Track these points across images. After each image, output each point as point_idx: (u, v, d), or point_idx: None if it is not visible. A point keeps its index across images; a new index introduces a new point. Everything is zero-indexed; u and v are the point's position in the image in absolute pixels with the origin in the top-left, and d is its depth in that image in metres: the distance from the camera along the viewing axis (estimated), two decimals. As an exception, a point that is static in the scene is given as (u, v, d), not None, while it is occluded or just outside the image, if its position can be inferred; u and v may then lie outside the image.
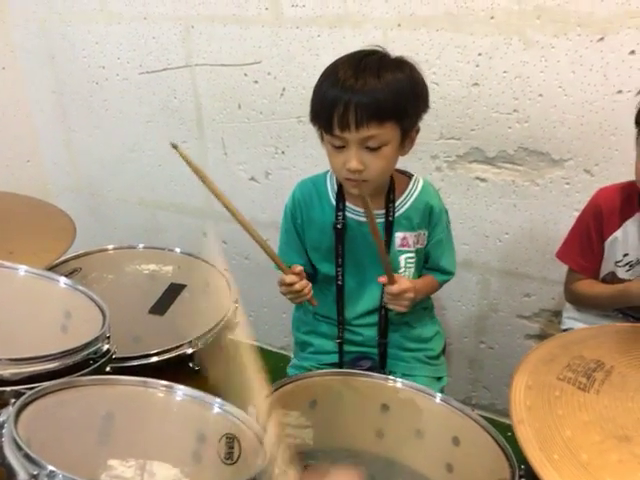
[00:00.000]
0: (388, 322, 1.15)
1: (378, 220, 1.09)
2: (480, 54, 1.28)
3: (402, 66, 0.99)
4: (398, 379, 1.00)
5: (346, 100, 0.93)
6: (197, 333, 1.09)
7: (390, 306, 1.08)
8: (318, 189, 1.14)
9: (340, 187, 1.11)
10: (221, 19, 1.53)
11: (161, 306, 1.21)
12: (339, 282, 1.14)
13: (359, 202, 1.08)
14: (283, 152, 1.60)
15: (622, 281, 1.06)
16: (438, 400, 0.96)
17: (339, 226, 1.10)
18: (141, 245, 1.35)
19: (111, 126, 1.82)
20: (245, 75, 1.56)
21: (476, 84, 1.31)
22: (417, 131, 1.05)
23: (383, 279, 1.04)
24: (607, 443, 0.53)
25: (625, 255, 1.05)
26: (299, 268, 1.07)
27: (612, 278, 1.08)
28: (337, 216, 1.10)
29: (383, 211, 1.09)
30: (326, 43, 1.41)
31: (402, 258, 1.12)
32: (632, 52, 1.15)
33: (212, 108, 1.64)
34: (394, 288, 1.04)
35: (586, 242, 1.09)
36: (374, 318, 1.16)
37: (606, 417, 0.56)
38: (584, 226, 1.10)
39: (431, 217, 1.13)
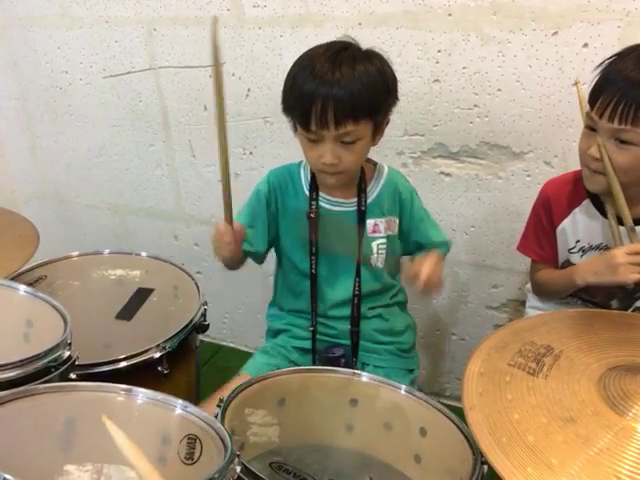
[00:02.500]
0: (360, 312, 1.17)
1: (350, 209, 1.12)
2: (439, 51, 1.30)
3: (373, 59, 1.00)
4: (364, 373, 1.01)
5: (324, 95, 0.94)
6: (165, 336, 1.09)
7: (425, 295, 1.07)
8: (292, 178, 1.16)
9: (313, 176, 1.13)
10: (183, 21, 1.52)
11: (128, 311, 1.20)
12: (313, 271, 1.15)
13: (333, 191, 1.11)
14: (251, 153, 1.60)
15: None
16: (403, 392, 0.97)
17: (312, 215, 1.11)
18: (107, 250, 1.34)
19: (76, 131, 1.80)
20: (210, 77, 1.55)
21: (437, 80, 1.33)
22: (387, 122, 1.07)
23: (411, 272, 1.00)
24: (553, 425, 0.55)
25: (577, 242, 1.07)
26: (240, 226, 1.03)
27: (568, 265, 1.10)
28: (311, 205, 1.11)
29: (355, 199, 1.12)
30: (289, 43, 1.42)
31: (374, 244, 1.15)
32: (585, 45, 1.18)
33: (178, 110, 1.64)
34: (423, 274, 0.98)
35: (541, 232, 1.12)
36: (347, 310, 1.17)
37: (553, 400, 0.58)
38: (536, 217, 1.13)
39: (401, 201, 1.15)
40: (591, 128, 0.96)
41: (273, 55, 1.45)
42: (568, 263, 1.10)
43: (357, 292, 1.15)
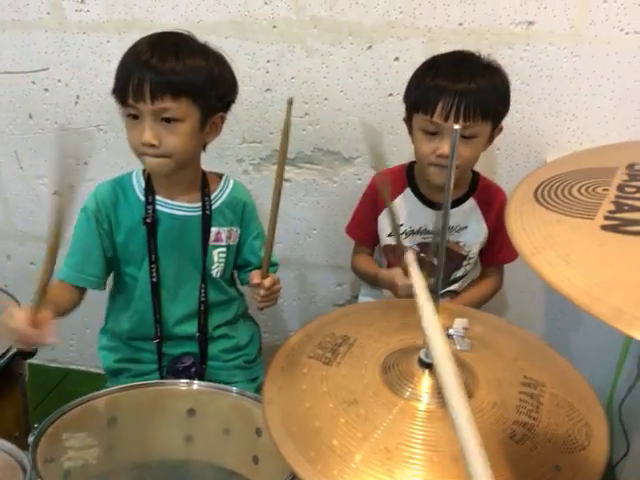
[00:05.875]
0: (207, 320, 1.15)
1: (194, 214, 1.08)
2: (269, 61, 1.34)
3: (206, 53, 1.01)
4: (196, 381, 1.00)
5: (140, 73, 0.94)
6: (-22, 366, 1.00)
7: (262, 305, 1.05)
8: (123, 187, 1.09)
9: (149, 180, 1.08)
10: (-1, 24, 1.41)
11: None
12: (153, 279, 1.10)
13: (174, 195, 1.07)
14: (85, 163, 1.52)
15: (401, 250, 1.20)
16: (237, 395, 0.98)
17: (149, 220, 1.06)
18: None
19: None
20: (33, 83, 1.45)
21: (269, 90, 1.37)
22: (222, 119, 1.05)
23: (258, 279, 1.01)
24: (338, 409, 0.59)
25: (400, 226, 1.18)
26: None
27: (388, 249, 1.22)
28: (147, 210, 1.07)
29: (199, 204, 1.09)
30: (117, 48, 1.35)
31: (215, 253, 1.12)
32: (396, 59, 1.29)
33: (0, 119, 1.51)
34: (267, 282, 1.01)
35: (365, 218, 1.24)
36: (193, 326, 1.14)
37: (341, 385, 0.62)
38: (363, 204, 1.25)
39: (244, 213, 1.15)
40: (431, 132, 1.06)
41: (101, 61, 1.40)
42: (389, 247, 1.22)
43: (203, 299, 1.13)
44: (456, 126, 0.54)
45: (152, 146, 0.96)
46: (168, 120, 0.96)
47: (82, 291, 1.12)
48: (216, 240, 1.12)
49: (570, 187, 0.53)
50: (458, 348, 0.59)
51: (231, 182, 1.16)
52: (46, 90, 1.45)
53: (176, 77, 0.95)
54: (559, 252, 0.45)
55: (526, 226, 0.48)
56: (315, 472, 0.54)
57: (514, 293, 1.46)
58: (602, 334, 1.48)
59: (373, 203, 1.22)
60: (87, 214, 1.08)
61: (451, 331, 0.60)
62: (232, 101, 1.07)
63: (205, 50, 1.01)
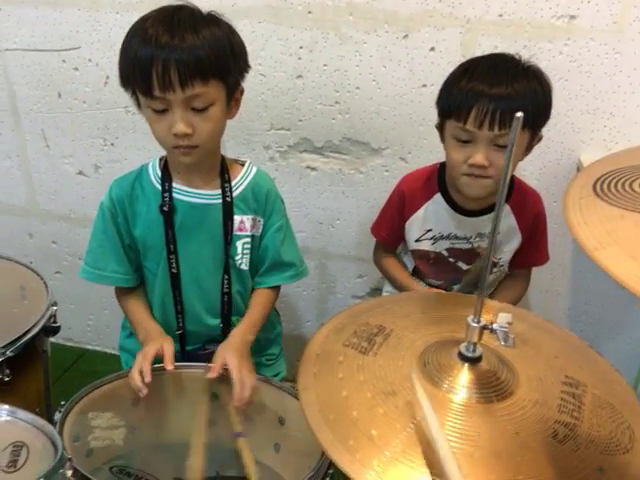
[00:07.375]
0: (231, 309, 1.11)
1: (214, 201, 1.03)
2: (301, 47, 1.32)
3: (218, 22, 0.96)
4: (222, 366, 1.00)
5: (164, 58, 0.87)
6: (5, 341, 1.00)
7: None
8: (141, 179, 1.05)
9: (165, 167, 1.04)
10: (32, 1, 1.40)
11: (-37, 315, 1.09)
12: (173, 270, 1.06)
13: (192, 182, 1.03)
14: (112, 144, 1.52)
15: (429, 253, 1.17)
16: (259, 382, 0.98)
17: (165, 208, 1.01)
18: (-61, 249, 1.20)
19: None
20: (64, 61, 1.45)
21: (300, 76, 1.35)
22: (242, 92, 1.00)
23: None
24: (376, 399, 0.58)
25: (428, 231, 1.15)
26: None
27: (417, 253, 1.19)
28: (163, 197, 1.02)
29: (219, 191, 1.04)
30: (149, 30, 1.36)
31: (239, 243, 1.06)
32: (432, 49, 1.27)
33: (28, 97, 1.51)
34: (246, 393, 0.95)
35: (390, 222, 1.20)
36: (215, 317, 1.11)
37: (379, 376, 0.61)
38: (390, 208, 1.21)
39: (267, 202, 1.08)
40: (463, 140, 1.00)
41: (132, 42, 1.39)
42: (417, 251, 1.19)
43: (226, 290, 1.09)
44: (518, 114, 0.51)
45: (186, 135, 0.91)
46: (199, 108, 0.91)
47: (140, 287, 1.13)
48: (240, 229, 1.06)
49: (631, 182, 0.51)
50: (502, 344, 0.58)
51: (254, 169, 1.09)
52: (76, 69, 1.45)
53: (201, 52, 0.88)
54: (625, 248, 0.43)
55: (587, 220, 0.47)
56: (354, 460, 0.53)
57: (538, 293, 1.44)
58: (624, 338, 1.46)
59: (400, 209, 1.18)
60: (103, 210, 1.06)
61: (495, 326, 0.59)
62: (247, 71, 1.00)
63: (216, 20, 0.96)
